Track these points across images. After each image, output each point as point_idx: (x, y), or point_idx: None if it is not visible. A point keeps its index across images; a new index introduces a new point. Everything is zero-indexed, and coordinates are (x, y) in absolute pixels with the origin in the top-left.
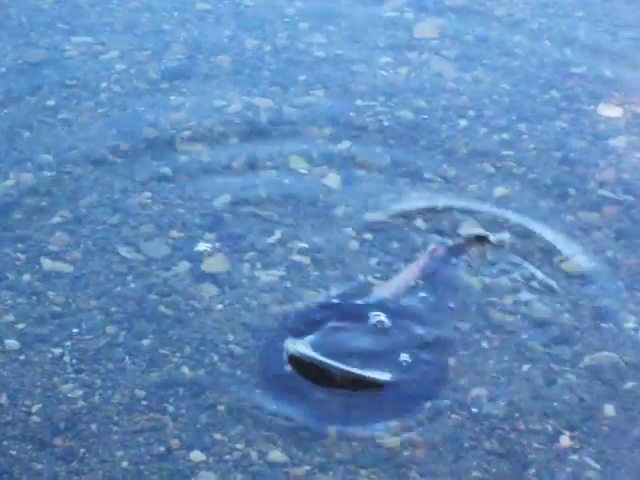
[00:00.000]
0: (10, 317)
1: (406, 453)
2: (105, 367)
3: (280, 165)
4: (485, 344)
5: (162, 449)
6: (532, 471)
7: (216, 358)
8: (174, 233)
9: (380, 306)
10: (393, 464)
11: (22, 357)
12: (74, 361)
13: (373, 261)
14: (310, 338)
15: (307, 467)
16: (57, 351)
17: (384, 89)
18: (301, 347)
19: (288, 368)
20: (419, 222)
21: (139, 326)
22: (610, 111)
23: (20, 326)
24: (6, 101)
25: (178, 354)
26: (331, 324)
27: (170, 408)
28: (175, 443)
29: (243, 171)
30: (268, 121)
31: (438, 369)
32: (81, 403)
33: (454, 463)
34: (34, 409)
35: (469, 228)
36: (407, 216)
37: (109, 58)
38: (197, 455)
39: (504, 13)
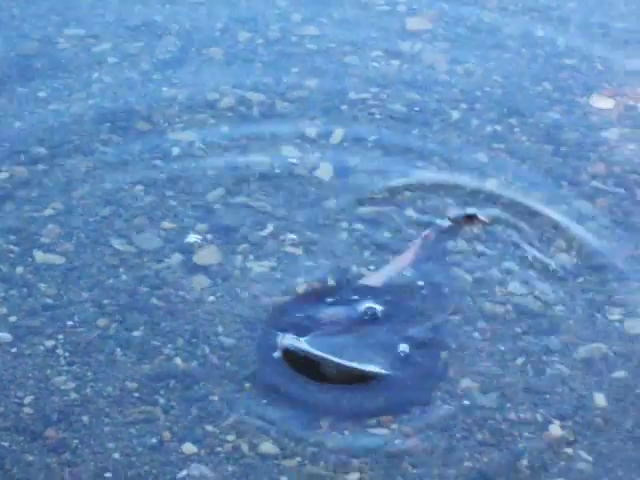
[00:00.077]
0: (2, 310)
1: (398, 443)
2: (97, 359)
3: (272, 156)
4: (477, 335)
5: (154, 441)
6: (524, 461)
7: (208, 350)
8: (166, 225)
9: (372, 295)
10: (385, 455)
11: (14, 350)
12: (66, 353)
13: (365, 252)
14: (302, 330)
15: (298, 458)
16: (49, 343)
17: (376, 81)
18: (295, 340)
19: (280, 360)
20: (410, 211)
21: (131, 318)
22: (602, 103)
23: (12, 319)
24: None
25: (170, 346)
26: (323, 315)
27: (162, 400)
28: (167, 435)
29: (235, 162)
30: (260, 112)
31: (430, 360)
32: (73, 395)
33: (446, 454)
34: (26, 401)
35: (457, 209)
36: (399, 205)
37: (101, 50)
38: (189, 447)
39: (496, 5)
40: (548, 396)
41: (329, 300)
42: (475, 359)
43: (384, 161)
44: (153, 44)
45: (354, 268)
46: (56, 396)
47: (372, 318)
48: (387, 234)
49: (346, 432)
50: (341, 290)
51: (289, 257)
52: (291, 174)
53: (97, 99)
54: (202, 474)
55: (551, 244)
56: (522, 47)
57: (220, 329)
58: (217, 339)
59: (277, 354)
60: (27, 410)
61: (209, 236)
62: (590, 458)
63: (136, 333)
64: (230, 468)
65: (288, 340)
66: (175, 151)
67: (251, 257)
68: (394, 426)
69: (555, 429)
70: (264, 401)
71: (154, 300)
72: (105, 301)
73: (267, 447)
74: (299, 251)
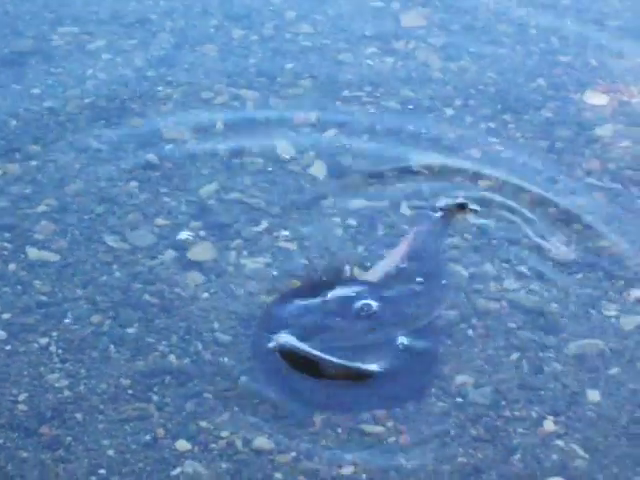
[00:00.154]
0: None
1: (392, 439)
2: (90, 356)
3: (267, 153)
4: (471, 332)
5: (148, 438)
6: (517, 456)
7: (202, 346)
8: (160, 222)
9: (367, 291)
10: (379, 451)
11: (8, 347)
12: (60, 351)
13: (359, 247)
14: (297, 326)
15: (293, 454)
16: (43, 341)
17: (370, 78)
18: (291, 338)
19: (275, 357)
20: (404, 207)
21: (125, 315)
22: (596, 99)
23: (6, 316)
24: None
25: (164, 342)
26: (318, 311)
27: (155, 397)
28: (160, 432)
29: (229, 159)
30: (254, 110)
31: (425, 356)
32: (67, 392)
33: (440, 450)
34: (21, 398)
35: (448, 199)
36: (393, 201)
37: (95, 47)
38: (183, 444)
39: (490, 1)
40: (542, 392)
41: (323, 296)
42: (470, 355)
43: (378, 157)
44: (147, 41)
45: (348, 264)
46: (50, 393)
47: (367, 315)
48: (381, 229)
49: (340, 428)
50: (336, 286)
51: (283, 253)
52: (285, 170)
53: (91, 96)
54: (196, 471)
55: (546, 240)
56: (516, 44)
57: (214, 325)
58: (211, 336)
59: (272, 351)
60: (21, 407)
61: (203, 232)
62: (585, 454)
63: (130, 330)
64: (224, 464)
65: (284, 338)
66: (169, 147)
67: (245, 253)
68: (389, 422)
69: (549, 425)
70: (258, 397)
71: (148, 297)
72: (99, 298)
73: (261, 443)
74: (293, 247)
